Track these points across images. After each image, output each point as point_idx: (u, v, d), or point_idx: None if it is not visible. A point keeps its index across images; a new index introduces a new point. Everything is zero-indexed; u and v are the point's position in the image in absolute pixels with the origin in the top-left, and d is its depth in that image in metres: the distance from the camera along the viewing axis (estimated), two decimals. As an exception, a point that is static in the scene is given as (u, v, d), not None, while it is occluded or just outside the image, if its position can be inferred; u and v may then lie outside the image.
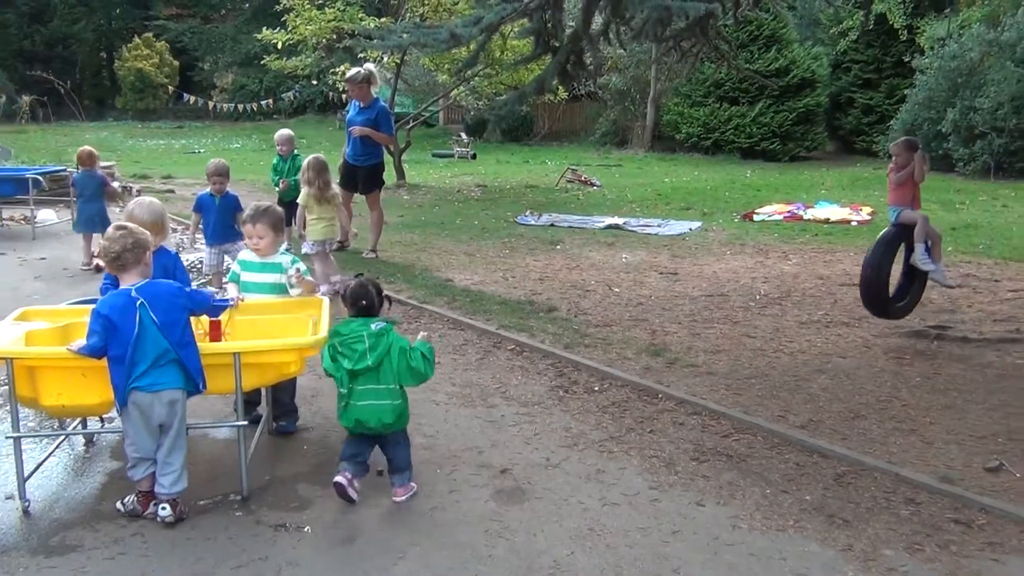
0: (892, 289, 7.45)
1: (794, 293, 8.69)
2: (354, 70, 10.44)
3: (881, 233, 7.49)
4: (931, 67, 21.22)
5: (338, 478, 4.22)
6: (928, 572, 3.71)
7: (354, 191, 10.50)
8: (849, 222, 13.33)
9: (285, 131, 10.35)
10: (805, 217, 13.80)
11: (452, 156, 25.35)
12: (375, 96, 10.42)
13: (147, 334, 3.95)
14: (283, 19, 17.47)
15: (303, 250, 8.46)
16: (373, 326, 4.24)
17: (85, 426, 4.99)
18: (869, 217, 13.67)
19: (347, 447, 4.35)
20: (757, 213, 14.07)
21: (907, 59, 23.34)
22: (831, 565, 3.76)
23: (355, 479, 4.26)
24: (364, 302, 4.32)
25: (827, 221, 13.46)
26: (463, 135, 27.60)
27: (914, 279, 7.50)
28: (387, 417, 4.25)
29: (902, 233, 7.34)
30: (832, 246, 11.36)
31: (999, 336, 7.17)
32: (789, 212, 14.12)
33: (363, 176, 10.34)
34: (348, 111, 10.81)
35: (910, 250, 7.37)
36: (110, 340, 3.94)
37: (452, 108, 29.71)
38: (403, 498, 4.29)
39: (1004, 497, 4.35)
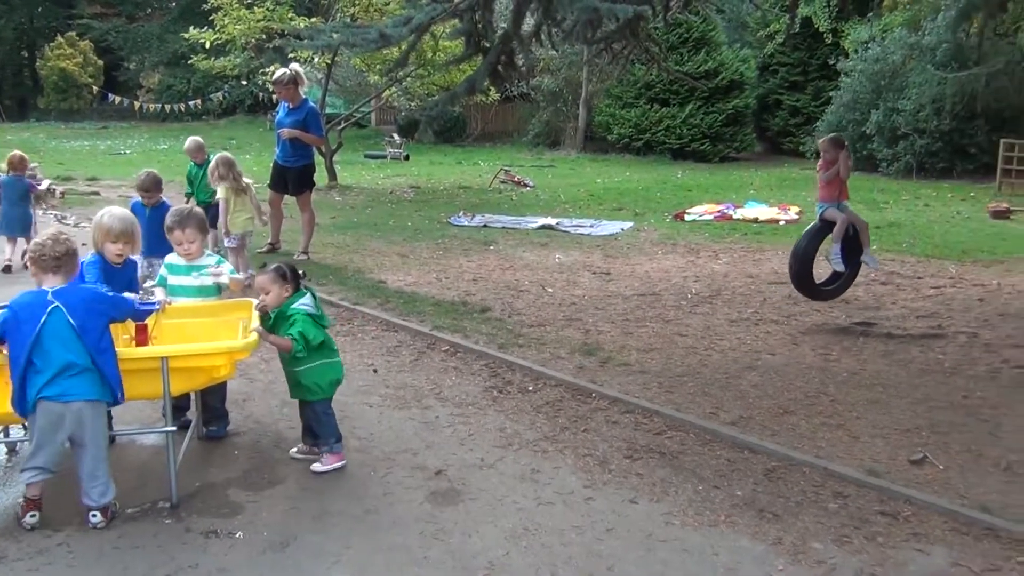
0: (828, 274, 8.05)
1: (724, 292, 8.81)
2: (280, 71, 10.33)
3: (809, 226, 8.00)
4: (855, 70, 21.70)
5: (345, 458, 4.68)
6: (856, 563, 3.78)
7: (284, 192, 10.40)
8: (777, 221, 13.56)
9: (194, 139, 10.06)
10: (735, 217, 14.02)
11: (385, 157, 25.23)
12: (304, 97, 10.32)
13: (54, 339, 3.84)
14: (211, 18, 17.22)
15: (224, 244, 8.63)
16: None
17: (7, 435, 4.86)
18: (797, 216, 13.92)
19: (334, 420, 4.70)
20: (688, 213, 14.24)
21: (832, 62, 23.84)
22: (762, 559, 3.81)
23: None
24: (304, 273, 4.75)
25: (756, 220, 13.68)
26: (396, 136, 27.47)
27: (847, 264, 7.88)
28: None
29: (827, 227, 7.76)
30: (761, 245, 11.54)
31: (922, 332, 7.36)
32: (719, 212, 14.32)
33: (293, 178, 10.24)
34: (277, 112, 10.68)
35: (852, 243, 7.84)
36: (10, 337, 3.86)
37: (384, 109, 29.63)
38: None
39: (928, 489, 4.46)
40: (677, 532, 4.03)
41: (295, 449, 4.81)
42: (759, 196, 16.68)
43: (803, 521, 4.14)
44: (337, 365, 4.70)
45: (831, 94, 22.99)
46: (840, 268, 7.77)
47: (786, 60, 26.75)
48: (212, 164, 8.80)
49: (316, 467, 4.60)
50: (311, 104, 10.54)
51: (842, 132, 21.35)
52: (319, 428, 4.67)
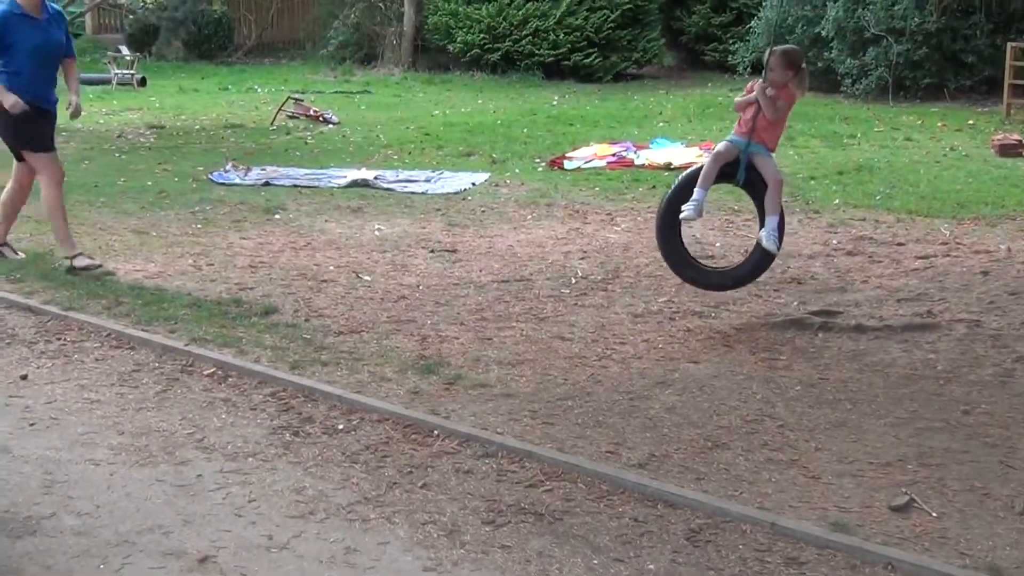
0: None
1: (625, 273, 8.96)
2: None
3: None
4: (804, -56, 22.24)
5: None
6: (819, 660, 3.92)
7: None
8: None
9: None
10: (637, 162, 14.23)
11: (108, 83, 24.68)
12: None
13: None
14: None
15: None
16: None
17: None
18: (726, 160, 14.26)
19: None
20: (569, 159, 14.40)
21: (772, -68, 24.47)
22: (686, 661, 3.92)
23: None
24: None
25: (668, 167, 13.89)
26: (124, 49, 26.89)
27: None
28: None
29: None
30: (676, 203, 11.77)
31: (905, 322, 7.63)
32: (615, 156, 14.51)
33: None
34: None
35: None
36: None
37: (107, 10, 28.92)
38: None
39: (918, 545, 4.63)
40: (563, 630, 4.10)
41: None
42: (671, 131, 17.01)
43: (744, 603, 4.27)
44: None
45: (771, -20, 23.56)
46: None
47: (707, -70, 27.29)
48: None
49: None
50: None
51: (788, 35, 21.91)
52: None
